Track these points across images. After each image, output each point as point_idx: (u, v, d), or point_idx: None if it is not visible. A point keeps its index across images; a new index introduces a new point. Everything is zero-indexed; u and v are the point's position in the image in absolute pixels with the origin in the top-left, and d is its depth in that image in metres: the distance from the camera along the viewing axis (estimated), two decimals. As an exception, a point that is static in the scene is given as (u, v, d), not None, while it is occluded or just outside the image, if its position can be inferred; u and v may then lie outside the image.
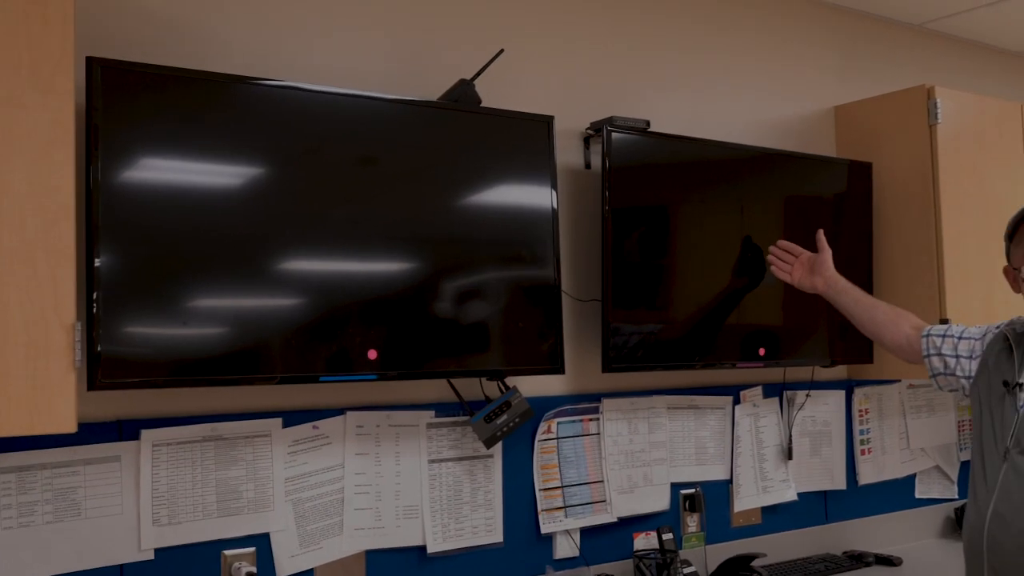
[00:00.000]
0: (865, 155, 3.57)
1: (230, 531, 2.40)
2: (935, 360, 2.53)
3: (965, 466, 3.99)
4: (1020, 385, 2.26)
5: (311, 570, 2.51)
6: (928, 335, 2.57)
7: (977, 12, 3.91)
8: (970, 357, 2.46)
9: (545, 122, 2.76)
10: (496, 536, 2.80)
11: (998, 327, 2.46)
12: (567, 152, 3.00)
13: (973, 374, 2.44)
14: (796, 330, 3.31)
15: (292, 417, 2.51)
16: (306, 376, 2.37)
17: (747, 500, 3.33)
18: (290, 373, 2.35)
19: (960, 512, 3.83)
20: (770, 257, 2.91)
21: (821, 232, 2.83)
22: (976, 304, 3.44)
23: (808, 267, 2.84)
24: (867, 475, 3.66)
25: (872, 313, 2.73)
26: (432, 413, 2.72)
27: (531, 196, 2.73)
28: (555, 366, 2.73)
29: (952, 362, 2.50)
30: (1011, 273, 2.49)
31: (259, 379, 2.34)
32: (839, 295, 2.78)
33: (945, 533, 3.86)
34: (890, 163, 3.53)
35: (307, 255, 2.37)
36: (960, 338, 2.51)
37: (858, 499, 3.64)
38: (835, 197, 3.46)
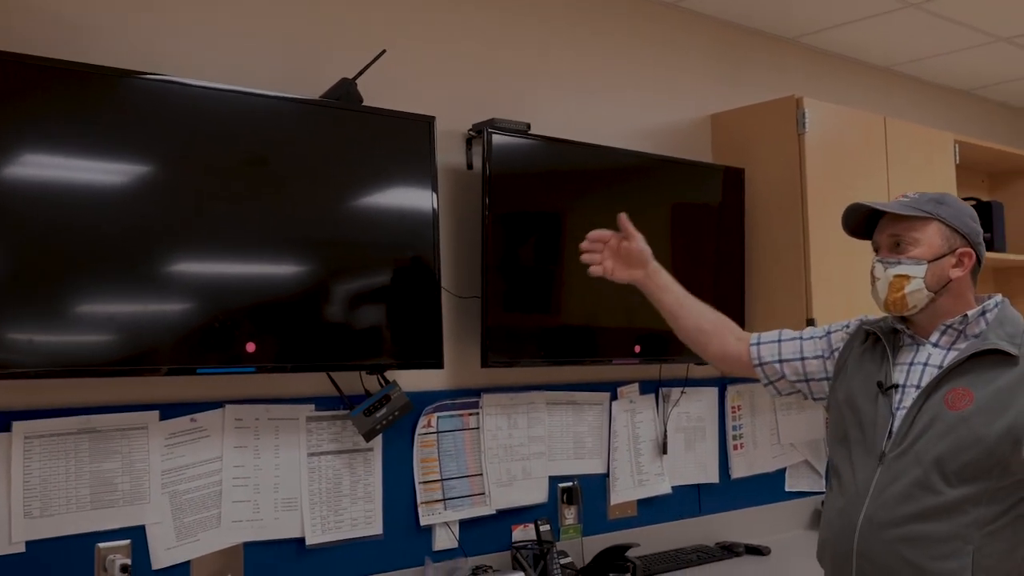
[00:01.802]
0: (740, 162, 3.72)
1: (104, 523, 2.40)
2: (768, 368, 2.49)
3: (833, 461, 4.17)
4: (895, 386, 2.21)
5: (188, 562, 2.52)
6: (758, 343, 2.50)
7: (845, 28, 4.11)
8: (823, 357, 2.42)
9: (426, 122, 2.83)
10: (376, 528, 2.85)
11: (847, 325, 2.44)
12: (450, 152, 3.07)
13: (831, 374, 2.41)
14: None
15: (170, 410, 2.52)
16: (183, 368, 2.39)
17: (623, 493, 3.43)
18: (166, 365, 2.37)
19: (827, 504, 4.00)
20: (582, 249, 2.49)
21: (623, 216, 2.45)
22: (840, 306, 3.61)
23: (623, 257, 2.47)
24: (739, 469, 3.81)
25: (698, 321, 2.52)
26: (312, 407, 2.75)
27: (412, 194, 2.79)
28: (434, 361, 2.80)
29: (799, 365, 2.46)
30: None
31: (135, 371, 2.36)
32: (661, 292, 2.50)
33: (813, 524, 4.03)
34: (762, 170, 3.68)
35: (186, 249, 2.40)
36: (804, 339, 2.47)
37: (731, 492, 3.78)
38: (710, 201, 3.59)
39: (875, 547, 2.14)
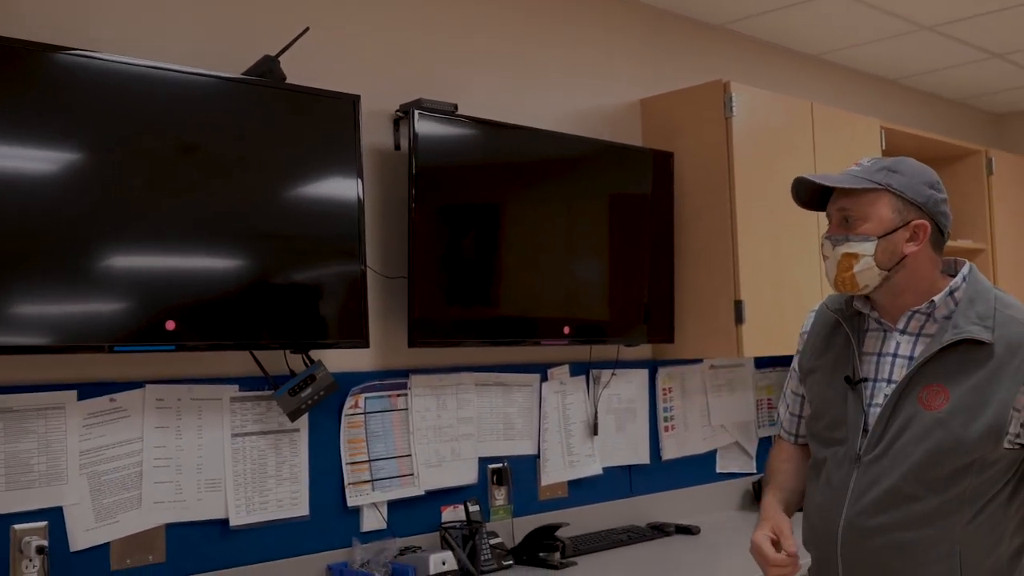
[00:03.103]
0: (669, 146, 3.75)
1: (20, 505, 2.36)
2: (788, 432, 2.37)
3: (764, 442, 4.23)
4: (864, 380, 2.11)
5: (107, 544, 2.49)
6: (782, 428, 2.39)
7: (774, 14, 4.16)
8: (799, 382, 2.32)
9: (351, 101, 2.81)
10: (302, 509, 2.83)
11: (804, 329, 2.32)
12: (377, 133, 3.06)
13: (799, 368, 2.31)
14: (601, 310, 3.46)
15: (88, 390, 2.48)
16: (98, 346, 2.36)
17: (554, 474, 3.45)
18: (82, 343, 2.34)
19: (757, 486, 4.05)
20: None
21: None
22: (767, 287, 3.66)
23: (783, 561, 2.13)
24: (670, 450, 3.85)
25: (799, 484, 2.27)
26: (236, 387, 2.73)
27: (337, 173, 2.78)
28: (360, 340, 2.79)
29: (797, 411, 2.34)
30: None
31: (51, 349, 2.32)
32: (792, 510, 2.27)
33: (743, 505, 4.08)
34: (691, 154, 3.72)
35: (103, 226, 2.36)
36: (788, 387, 2.38)
37: (661, 473, 3.82)
38: (640, 185, 3.62)
39: (860, 555, 2.06)
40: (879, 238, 2.04)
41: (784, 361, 4.36)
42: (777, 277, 3.72)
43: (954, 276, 2.09)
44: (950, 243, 4.73)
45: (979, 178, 4.98)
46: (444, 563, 2.78)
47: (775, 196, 3.73)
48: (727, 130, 3.62)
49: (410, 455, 3.06)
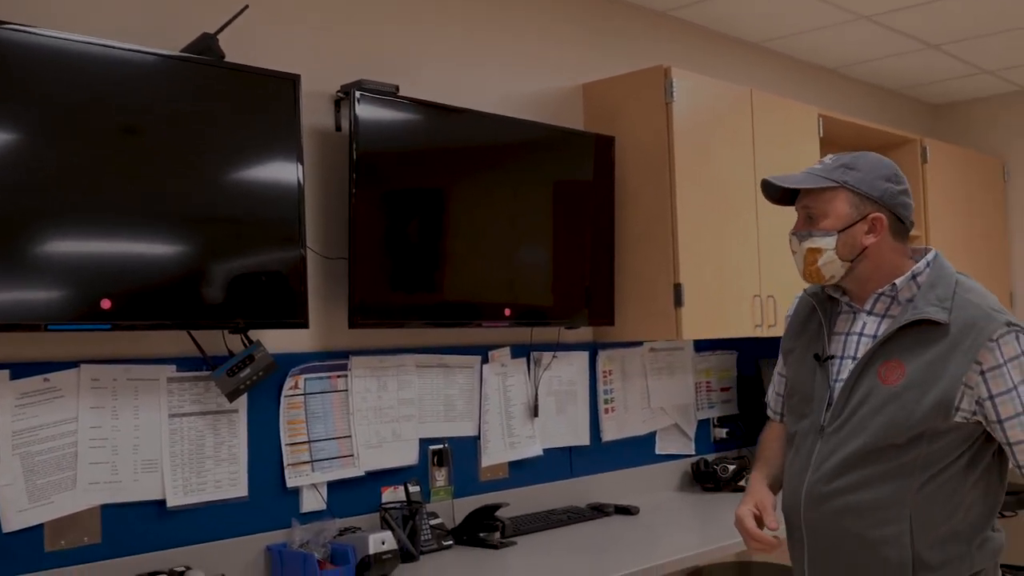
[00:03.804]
0: (611, 131, 3.77)
1: (-50, 485, 2.33)
2: (774, 411, 2.52)
3: (703, 424, 4.29)
4: (831, 358, 2.24)
5: (41, 525, 2.46)
6: (770, 408, 2.53)
7: (715, 2, 4.21)
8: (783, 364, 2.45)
9: (291, 80, 2.80)
10: (240, 490, 2.82)
11: (788, 312, 2.46)
12: (319, 113, 3.05)
13: (781, 349, 2.44)
14: (542, 293, 3.48)
15: (21, 369, 2.45)
16: (32, 324, 2.33)
17: (494, 455, 3.47)
18: (16, 321, 2.31)
19: (696, 467, 4.12)
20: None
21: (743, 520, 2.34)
22: (706, 270, 3.71)
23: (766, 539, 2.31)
24: (610, 432, 3.89)
25: (781, 460, 2.42)
26: (173, 368, 2.71)
27: (277, 153, 2.76)
28: (299, 320, 2.79)
29: (778, 382, 2.47)
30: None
31: (-19, 327, 2.29)
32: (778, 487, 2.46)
33: (682, 486, 4.14)
34: (632, 138, 3.75)
35: (37, 202, 2.33)
36: (776, 371, 2.49)
37: (602, 454, 3.86)
38: (581, 169, 3.64)
39: (818, 520, 2.18)
40: (839, 232, 2.17)
41: (723, 344, 4.43)
42: (716, 261, 3.77)
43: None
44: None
45: (914, 166, 5.07)
46: (383, 543, 2.79)
47: (715, 181, 3.80)
48: (667, 115, 3.66)
49: (350, 436, 3.07)
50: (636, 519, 3.56)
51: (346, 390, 3.08)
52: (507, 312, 3.32)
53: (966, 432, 2.09)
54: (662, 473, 4.09)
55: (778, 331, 3.98)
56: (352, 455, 3.07)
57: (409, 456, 3.22)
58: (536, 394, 3.62)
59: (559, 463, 3.71)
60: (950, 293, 2.12)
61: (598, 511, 3.60)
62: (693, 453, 4.22)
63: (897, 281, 2.16)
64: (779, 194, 2.29)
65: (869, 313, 2.21)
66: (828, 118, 4.47)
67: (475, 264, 3.26)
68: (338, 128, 3.10)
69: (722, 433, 4.36)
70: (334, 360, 3.06)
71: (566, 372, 3.74)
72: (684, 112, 3.69)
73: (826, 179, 2.18)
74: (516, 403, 3.56)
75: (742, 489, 3.94)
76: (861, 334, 2.20)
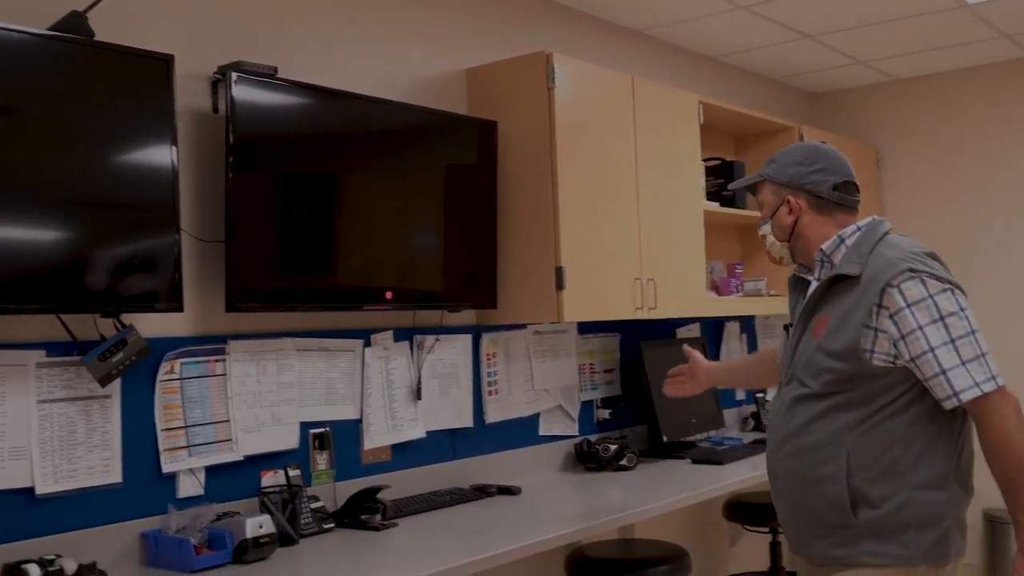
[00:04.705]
0: (494, 116, 3.80)
1: None
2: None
3: (586, 405, 4.37)
4: (790, 325, 2.59)
5: (-99, 515, 2.40)
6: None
7: (598, -11, 4.27)
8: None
9: (164, 61, 2.76)
10: (114, 477, 2.78)
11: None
12: (195, 95, 3.01)
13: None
14: (424, 276, 3.50)
15: None
16: None
17: (377, 438, 3.48)
18: None
19: (579, 448, 4.19)
20: (667, 385, 3.29)
21: (686, 347, 3.24)
22: (588, 254, 3.78)
23: (690, 377, 3.22)
24: (494, 414, 3.93)
25: (747, 371, 3.23)
26: (43, 353, 2.65)
27: (151, 136, 2.72)
28: (173, 304, 2.75)
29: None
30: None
31: None
32: (722, 379, 3.29)
33: (565, 466, 4.21)
34: (514, 124, 3.79)
35: None
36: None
37: (485, 436, 3.90)
38: (464, 153, 3.67)
39: (777, 466, 2.51)
40: (771, 219, 2.59)
41: (606, 327, 4.51)
42: (598, 245, 3.84)
43: None
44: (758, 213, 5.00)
45: (792, 153, 5.23)
46: (261, 527, 2.78)
47: (596, 166, 3.86)
48: (549, 101, 3.70)
49: (228, 421, 3.05)
50: (518, 499, 3.61)
51: (224, 374, 3.05)
52: (389, 295, 3.34)
53: (898, 375, 2.31)
54: (545, 454, 4.15)
55: (658, 314, 4.11)
56: (231, 440, 3.04)
57: (289, 440, 3.21)
58: (419, 377, 3.64)
59: (442, 445, 3.74)
60: (868, 249, 2.37)
61: (481, 492, 3.64)
62: (576, 434, 4.29)
63: (824, 246, 2.47)
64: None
65: (816, 280, 2.50)
66: (708, 105, 4.58)
67: (356, 248, 3.26)
68: (215, 110, 3.06)
69: (605, 414, 4.45)
70: (212, 344, 3.03)
71: (449, 355, 3.77)
72: (566, 98, 3.74)
73: (754, 176, 2.62)
74: (399, 386, 3.58)
75: (624, 468, 4.07)
76: (807, 302, 2.49)
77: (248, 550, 2.74)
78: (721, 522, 4.93)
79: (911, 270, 2.28)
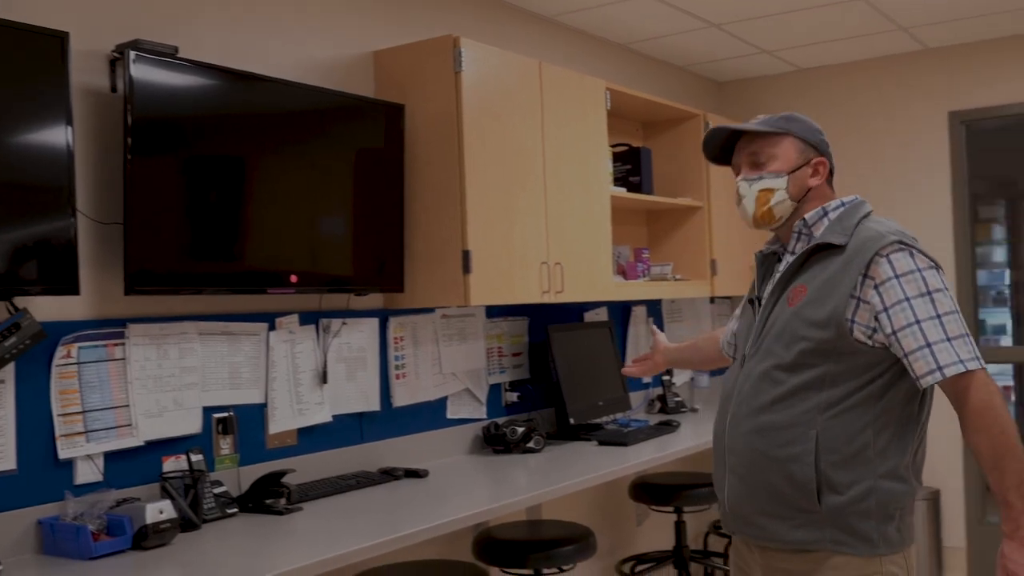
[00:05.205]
0: (402, 99, 3.79)
1: None
2: (726, 346, 2.85)
3: (494, 388, 4.40)
4: (759, 299, 2.47)
5: None
6: (725, 336, 2.87)
7: (506, -26, 4.28)
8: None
9: (59, 38, 2.69)
10: (8, 463, 2.72)
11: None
12: (93, 73, 2.95)
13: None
14: (332, 260, 3.49)
15: None
16: None
17: (282, 422, 3.46)
18: None
19: (487, 430, 4.22)
20: (627, 367, 3.35)
21: (652, 326, 3.45)
22: (496, 237, 3.80)
23: (651, 356, 3.26)
24: (401, 398, 3.94)
25: (695, 352, 3.16)
26: (-69, 337, 2.58)
27: (45, 115, 2.66)
28: (68, 286, 2.70)
29: (732, 324, 2.78)
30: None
31: None
32: (675, 359, 3.23)
33: (473, 449, 4.24)
34: (422, 107, 3.78)
35: None
36: (736, 309, 2.78)
37: (393, 420, 3.90)
38: (372, 137, 3.65)
39: (736, 441, 2.39)
40: (789, 174, 2.41)
41: (514, 310, 4.55)
42: (505, 229, 3.86)
43: None
44: (671, 201, 5.08)
45: (697, 140, 5.30)
46: (162, 512, 2.75)
47: (504, 150, 3.88)
48: (457, 85, 3.71)
49: (128, 405, 3.00)
50: (425, 482, 3.63)
51: (124, 359, 3.00)
52: (294, 279, 3.32)
53: (874, 357, 2.24)
54: (453, 437, 4.17)
55: (565, 298, 4.15)
56: (131, 424, 3.00)
57: (192, 425, 3.17)
58: (325, 361, 3.63)
59: (349, 429, 3.73)
60: (854, 223, 2.33)
61: (388, 475, 3.64)
62: (484, 417, 4.32)
63: (807, 215, 2.40)
64: (717, 151, 2.56)
65: (792, 253, 2.44)
66: (616, 92, 4.63)
67: (261, 231, 3.23)
68: (114, 89, 3.01)
69: (513, 397, 4.48)
70: (110, 328, 2.98)
71: (356, 339, 3.76)
72: (473, 82, 3.75)
73: (774, 127, 2.43)
74: (305, 370, 3.56)
75: (531, 450, 4.12)
76: (783, 272, 2.41)
77: (148, 536, 2.71)
78: (627, 502, 5.01)
79: (900, 242, 2.24)
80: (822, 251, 2.33)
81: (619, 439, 4.28)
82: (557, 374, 4.42)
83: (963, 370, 2.15)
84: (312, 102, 3.43)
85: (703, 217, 5.30)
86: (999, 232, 6.10)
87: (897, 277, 2.21)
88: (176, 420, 3.13)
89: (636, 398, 5.26)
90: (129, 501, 2.85)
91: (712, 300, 6.16)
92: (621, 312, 5.35)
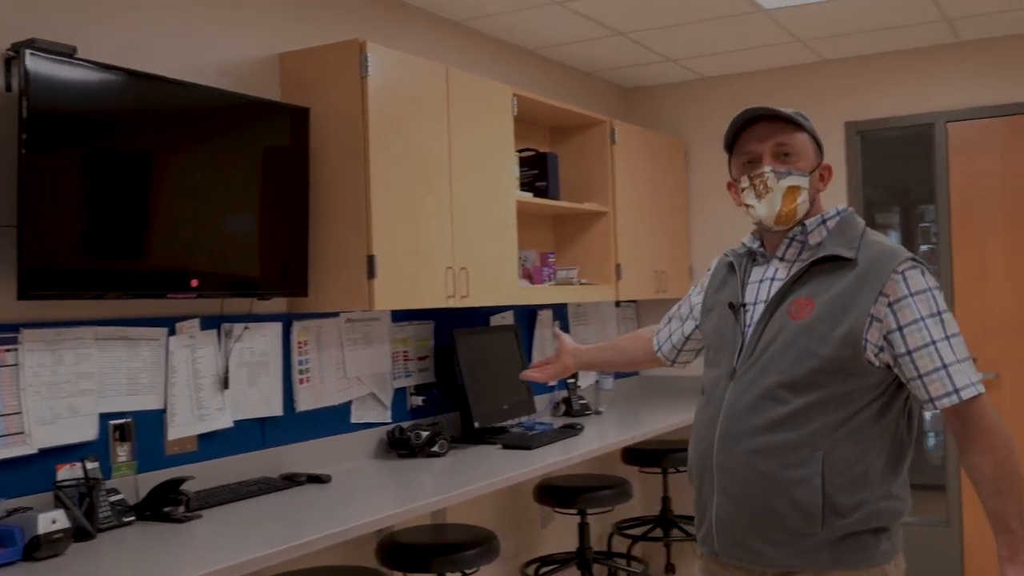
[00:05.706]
0: (308, 103, 3.76)
1: None
2: (665, 348, 2.77)
3: (399, 392, 4.40)
4: (744, 305, 2.31)
5: None
6: (656, 333, 2.80)
7: (414, -21, 4.28)
8: (691, 314, 2.65)
9: (-51, 36, 2.62)
10: None
11: (710, 268, 2.60)
12: (-15, 72, 2.88)
13: (698, 314, 2.60)
14: (236, 263, 3.45)
15: None
16: None
17: (182, 428, 3.42)
18: None
19: (392, 434, 4.21)
20: (527, 371, 3.11)
21: (556, 329, 3.39)
22: (401, 241, 3.80)
23: (555, 359, 3.05)
24: (305, 402, 3.91)
25: (618, 353, 2.97)
26: None
27: (-66, 113, 2.59)
28: (-42, 291, 2.63)
29: (679, 333, 2.70)
30: (733, 186, 2.41)
31: None
32: (590, 360, 3.03)
33: (377, 453, 4.23)
34: (328, 111, 3.77)
35: None
36: (679, 309, 2.71)
37: (296, 425, 3.88)
38: (276, 141, 3.62)
39: (731, 460, 2.23)
40: (809, 174, 2.29)
41: (420, 315, 4.55)
42: (410, 233, 3.87)
43: None
44: (577, 206, 5.14)
45: (604, 147, 5.40)
46: (55, 522, 2.69)
47: (410, 155, 3.89)
48: (363, 89, 3.70)
49: (21, 412, 2.93)
50: (329, 487, 3.61)
51: (16, 364, 2.93)
52: (194, 283, 3.27)
53: (877, 377, 2.17)
54: (357, 441, 4.16)
55: (471, 302, 4.17)
56: (23, 432, 2.93)
57: (88, 432, 3.11)
58: (227, 366, 3.59)
59: (251, 434, 3.70)
60: (858, 235, 2.25)
61: (290, 481, 3.62)
62: (389, 421, 4.32)
63: (807, 222, 2.28)
64: (732, 137, 2.35)
65: (781, 259, 2.32)
66: (523, 98, 4.66)
67: (162, 229, 3.17)
68: (8, 88, 2.93)
69: (418, 401, 4.49)
70: (2, 333, 2.91)
71: (259, 343, 3.73)
72: (379, 87, 3.75)
73: (804, 121, 2.30)
74: (206, 375, 3.51)
75: (436, 454, 4.13)
76: (773, 279, 2.30)
77: (40, 546, 2.65)
78: (532, 505, 5.06)
79: (913, 259, 2.18)
80: (825, 262, 2.24)
81: (523, 442, 4.32)
82: (462, 378, 4.44)
83: (976, 393, 2.11)
84: (213, 103, 3.38)
85: (608, 222, 5.37)
86: (895, 238, 6.31)
87: (912, 295, 2.14)
88: (71, 427, 3.06)
89: (541, 401, 5.30)
90: (21, 511, 2.79)
91: (617, 304, 6.25)
92: (527, 316, 5.39)
